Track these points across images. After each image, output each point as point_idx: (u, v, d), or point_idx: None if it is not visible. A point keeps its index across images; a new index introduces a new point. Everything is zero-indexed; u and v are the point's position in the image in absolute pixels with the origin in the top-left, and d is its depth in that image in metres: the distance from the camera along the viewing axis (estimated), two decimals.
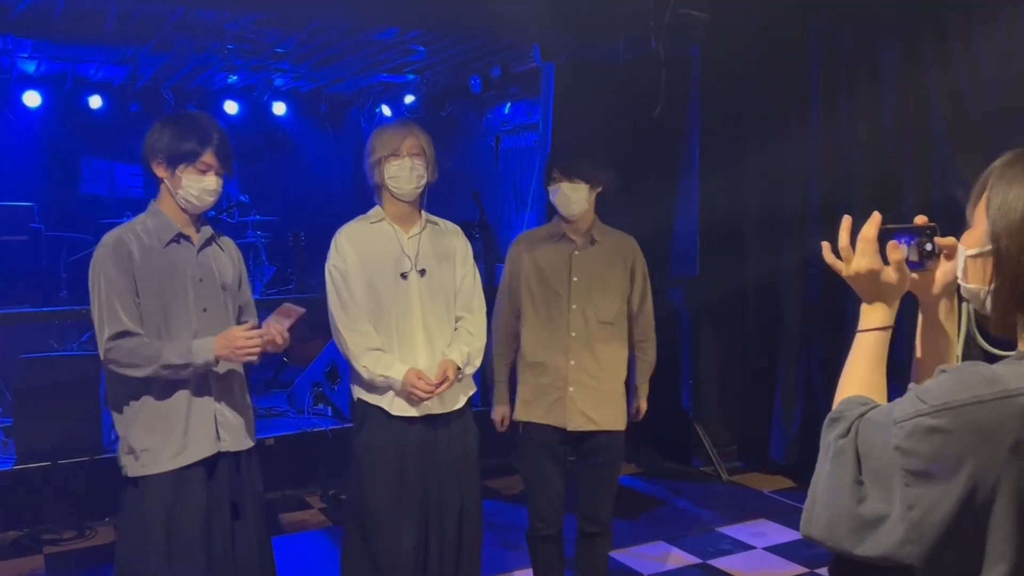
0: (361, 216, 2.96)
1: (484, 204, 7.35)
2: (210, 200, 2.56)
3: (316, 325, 6.11)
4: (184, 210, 2.56)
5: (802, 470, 5.12)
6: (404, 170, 2.82)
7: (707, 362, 5.42)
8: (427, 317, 2.88)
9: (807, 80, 4.97)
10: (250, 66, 7.39)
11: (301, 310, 2.59)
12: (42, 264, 7.01)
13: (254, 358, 2.50)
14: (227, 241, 2.74)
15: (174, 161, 2.50)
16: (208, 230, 2.65)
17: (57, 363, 4.82)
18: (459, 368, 2.86)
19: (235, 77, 7.98)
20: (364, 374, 2.80)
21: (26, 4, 5.27)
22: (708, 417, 5.44)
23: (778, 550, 4.12)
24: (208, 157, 2.52)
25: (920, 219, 1.38)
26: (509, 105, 7.99)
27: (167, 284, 2.50)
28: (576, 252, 3.12)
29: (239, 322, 2.68)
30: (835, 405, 1.27)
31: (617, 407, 3.12)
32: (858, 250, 1.36)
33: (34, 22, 5.65)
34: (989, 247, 1.16)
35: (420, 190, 2.88)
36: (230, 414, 2.59)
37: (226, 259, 2.68)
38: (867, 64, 4.66)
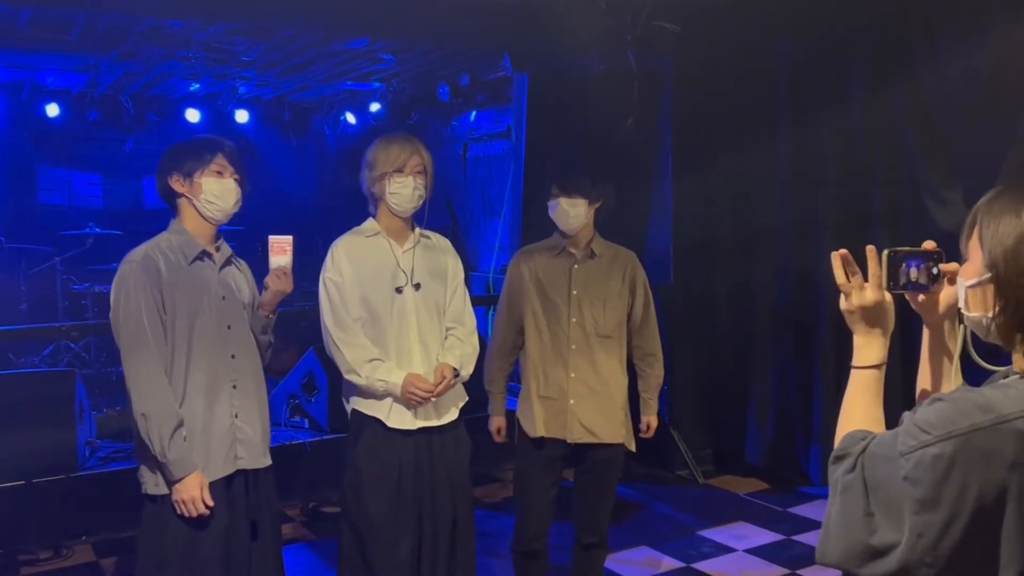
0: (356, 229, 2.97)
1: (454, 211, 7.38)
2: (232, 202, 2.60)
3: (290, 336, 6.11)
4: (207, 219, 2.59)
5: (776, 473, 5.24)
6: (407, 188, 2.84)
7: (682, 368, 5.51)
8: (423, 330, 2.91)
9: (777, 92, 5.09)
10: (214, 74, 7.31)
11: (288, 236, 2.65)
12: (1, 277, 6.85)
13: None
14: (242, 262, 2.77)
15: (190, 170, 2.56)
16: (227, 249, 2.69)
17: (29, 380, 4.72)
18: (455, 370, 2.89)
19: (197, 85, 7.89)
20: (363, 382, 2.81)
21: None
22: (684, 422, 5.53)
23: (759, 552, 4.21)
24: (221, 159, 2.59)
25: (928, 244, 1.45)
26: (475, 113, 8.03)
27: (193, 301, 2.52)
28: (576, 266, 3.17)
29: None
30: (837, 441, 1.34)
31: (617, 419, 3.16)
32: (864, 284, 1.42)
33: None
34: (987, 275, 1.24)
35: (419, 208, 2.90)
36: (249, 431, 2.61)
37: (242, 279, 2.71)
38: (835, 78, 4.80)
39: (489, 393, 3.32)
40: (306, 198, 9.52)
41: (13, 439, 4.30)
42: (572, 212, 3.10)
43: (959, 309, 1.33)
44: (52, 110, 8.00)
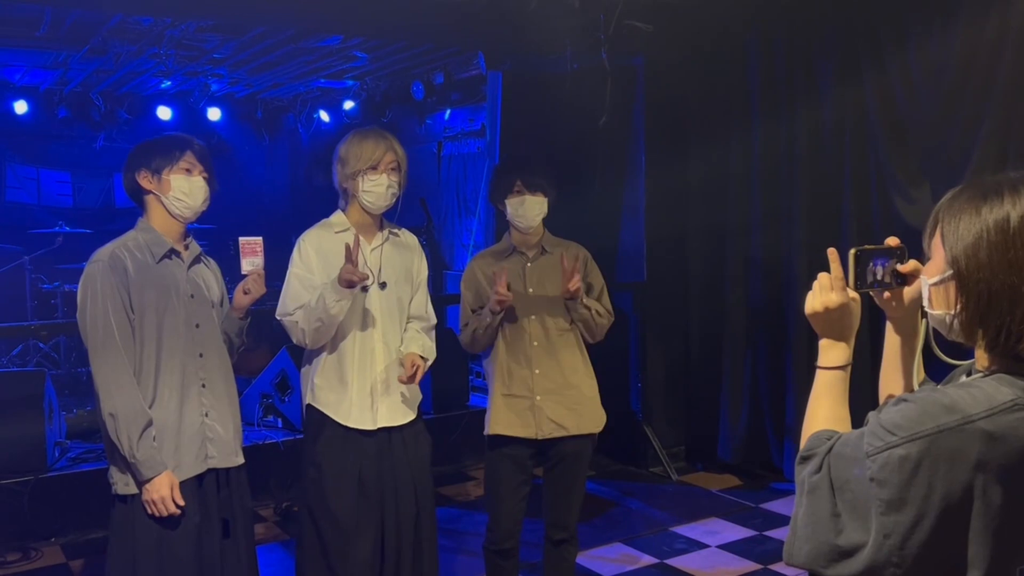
0: (323, 222, 2.95)
1: (428, 210, 7.37)
2: (200, 200, 2.58)
3: (262, 336, 6.07)
4: (175, 217, 2.57)
5: (749, 469, 5.29)
6: (380, 186, 2.83)
7: (655, 365, 5.54)
8: (385, 329, 2.91)
9: (748, 90, 5.14)
10: (185, 71, 7.24)
11: (258, 237, 2.64)
12: None
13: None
14: (211, 260, 2.74)
15: (159, 167, 2.54)
16: (196, 247, 2.66)
17: None
18: (423, 358, 2.90)
19: (169, 82, 7.82)
20: (304, 316, 2.75)
21: None
22: (657, 419, 5.56)
23: (731, 547, 4.25)
24: (189, 157, 2.57)
25: (891, 240, 1.47)
26: (449, 111, 8.02)
27: (161, 299, 2.50)
28: (529, 264, 3.19)
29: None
30: (803, 442, 1.35)
31: (586, 411, 3.18)
32: (827, 286, 1.44)
33: None
34: (949, 272, 1.25)
35: (392, 205, 2.90)
36: (220, 430, 2.60)
37: (211, 277, 2.69)
38: (804, 74, 4.84)
39: (480, 319, 3.11)
40: (279, 197, 9.47)
41: None
42: (537, 208, 3.12)
43: (922, 306, 1.35)
44: (20, 107, 7.89)
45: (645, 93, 5.46)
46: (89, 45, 6.07)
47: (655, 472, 5.46)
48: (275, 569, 4.09)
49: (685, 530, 4.50)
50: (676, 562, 4.11)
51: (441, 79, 7.17)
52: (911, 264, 1.45)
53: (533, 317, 3.14)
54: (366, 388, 2.86)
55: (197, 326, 2.57)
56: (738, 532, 4.44)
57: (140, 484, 2.41)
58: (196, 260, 2.65)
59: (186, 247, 2.63)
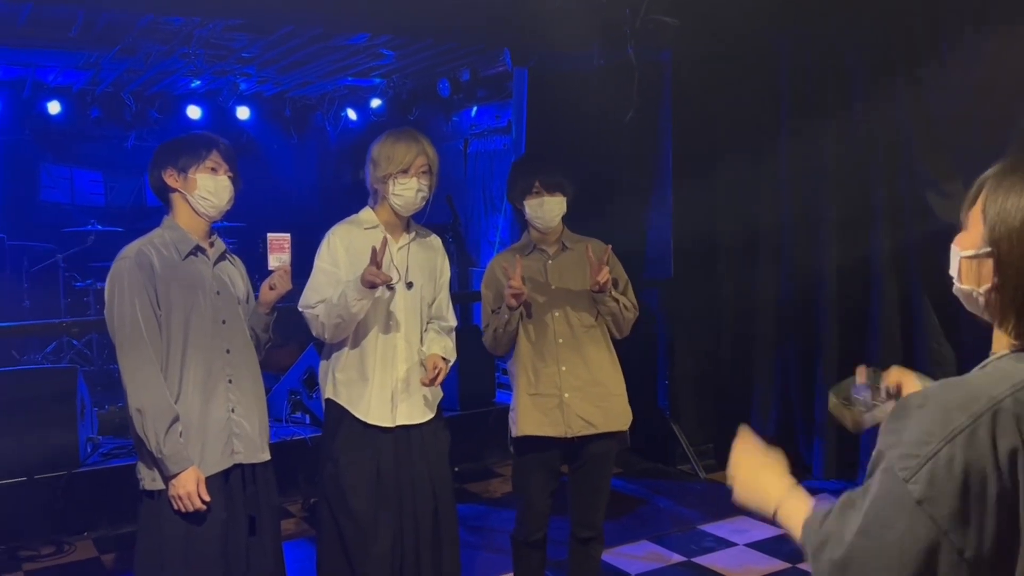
0: (353, 218, 2.96)
1: (455, 207, 7.37)
2: (225, 199, 2.59)
3: (290, 332, 6.11)
4: (200, 215, 2.58)
5: None
6: (411, 190, 2.83)
7: (683, 363, 5.50)
8: (408, 329, 2.91)
9: (778, 85, 5.08)
10: (215, 71, 7.31)
11: (286, 234, 2.66)
12: (4, 274, 6.87)
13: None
14: (236, 258, 2.76)
15: (185, 165, 2.55)
16: (221, 244, 2.68)
17: (32, 376, 4.73)
18: (444, 359, 2.91)
19: (198, 82, 7.90)
20: (325, 310, 2.78)
21: None
22: (684, 416, 5.52)
23: (760, 546, 4.21)
24: (215, 156, 2.58)
25: (859, 371, 1.55)
26: (476, 108, 8.03)
27: (187, 296, 2.52)
28: (550, 261, 3.16)
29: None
30: (799, 538, 1.28)
31: (614, 408, 3.15)
32: (739, 463, 1.45)
33: None
34: (986, 250, 1.19)
35: (421, 208, 2.90)
36: (247, 425, 2.61)
37: (236, 274, 2.71)
38: (836, 70, 4.78)
39: (499, 319, 3.08)
40: (307, 194, 9.52)
41: (16, 435, 4.31)
42: (557, 209, 3.10)
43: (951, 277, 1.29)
44: (54, 107, 8.00)
45: (672, 88, 5.42)
46: (120, 45, 6.14)
47: (683, 470, 5.43)
48: (303, 564, 4.11)
49: (713, 528, 4.47)
50: (704, 560, 4.08)
51: (467, 76, 7.17)
52: (894, 375, 1.49)
53: (557, 314, 3.12)
54: (387, 386, 2.87)
55: (223, 322, 2.58)
56: (767, 531, 4.40)
57: (167, 480, 2.43)
58: (221, 257, 2.67)
59: (211, 244, 2.64)
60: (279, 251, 2.64)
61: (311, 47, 6.53)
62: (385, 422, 2.86)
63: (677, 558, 4.12)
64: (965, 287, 1.24)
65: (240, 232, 7.83)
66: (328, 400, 2.93)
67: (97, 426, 5.03)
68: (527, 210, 3.13)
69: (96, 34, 5.84)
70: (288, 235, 2.66)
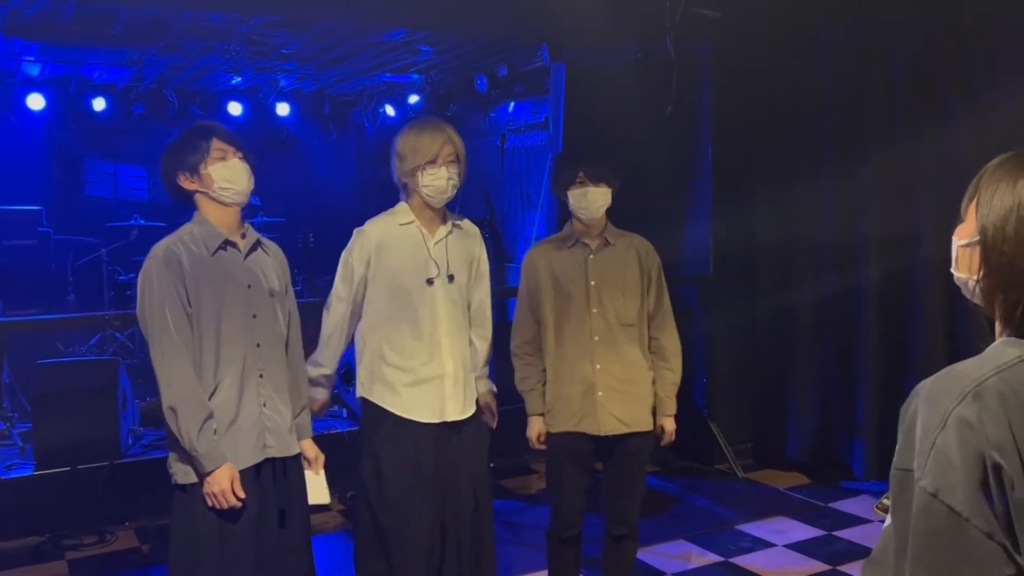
0: (388, 213, 2.94)
1: (491, 203, 7.36)
2: (245, 181, 2.56)
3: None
4: (227, 205, 2.56)
5: (818, 467, 5.15)
6: (440, 180, 2.81)
7: (721, 360, 5.44)
8: (452, 322, 2.91)
9: (821, 79, 4.99)
10: (255, 67, 7.38)
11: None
12: (50, 268, 7.00)
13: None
14: (271, 245, 2.73)
15: (193, 165, 2.52)
16: (253, 234, 2.65)
17: (74, 368, 4.82)
18: (494, 392, 3.06)
19: (239, 78, 7.98)
20: (326, 317, 2.96)
21: (36, 8, 5.25)
22: (722, 414, 5.46)
23: (799, 547, 4.14)
24: (217, 144, 2.54)
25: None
26: (513, 104, 8.00)
27: (218, 292, 2.50)
28: (591, 256, 3.12)
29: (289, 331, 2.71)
30: None
31: (647, 407, 3.12)
32: None
33: (43, 26, 5.63)
34: (977, 238, 1.24)
35: (453, 197, 2.88)
36: (278, 419, 2.60)
37: (271, 264, 2.67)
38: (881, 65, 4.69)
39: (523, 393, 3.19)
40: (345, 190, 9.58)
41: (59, 426, 4.39)
42: (601, 200, 3.05)
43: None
44: (99, 104, 8.12)
45: (712, 83, 5.35)
46: (162, 42, 6.22)
47: (721, 469, 5.37)
48: (339, 557, 4.13)
49: (751, 528, 4.41)
50: (741, 561, 4.02)
51: (505, 72, 7.15)
52: None
53: (595, 311, 3.08)
54: (434, 382, 2.86)
55: (254, 316, 2.56)
56: (806, 531, 4.33)
57: (201, 477, 2.44)
58: (254, 248, 2.63)
59: (243, 235, 2.62)
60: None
61: (350, 43, 6.56)
62: (432, 418, 2.85)
63: (714, 558, 4.07)
64: (961, 275, 1.29)
65: (280, 227, 7.90)
66: (364, 399, 2.92)
67: (138, 417, 5.11)
68: (570, 201, 3.08)
69: (139, 31, 5.92)
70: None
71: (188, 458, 2.45)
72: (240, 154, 2.57)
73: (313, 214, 8.61)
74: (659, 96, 5.19)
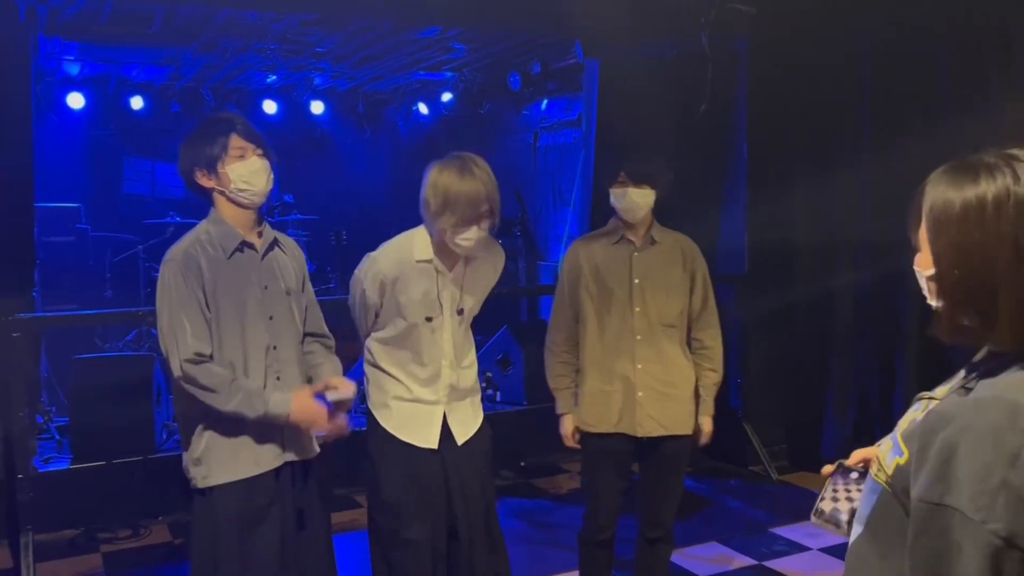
0: (405, 242, 2.72)
1: (523, 201, 7.34)
2: (263, 181, 2.47)
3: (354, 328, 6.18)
4: (244, 206, 2.49)
5: None
6: (472, 239, 2.62)
7: (756, 360, 5.37)
8: (454, 355, 2.78)
9: (860, 75, 4.90)
10: (290, 65, 7.43)
11: (350, 393, 2.53)
12: (88, 264, 7.10)
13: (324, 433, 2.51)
14: (289, 241, 2.68)
15: (211, 162, 2.45)
16: (270, 233, 2.58)
17: (111, 363, 4.88)
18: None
19: (274, 77, 8.03)
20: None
21: (75, 8, 5.32)
22: (757, 416, 5.39)
23: (835, 551, 4.06)
24: (236, 140, 2.45)
25: (825, 470, 1.54)
26: (546, 102, 7.97)
27: (236, 296, 2.45)
28: (636, 253, 3.06)
29: (304, 327, 2.66)
30: None
31: (686, 410, 3.06)
32: None
33: (82, 26, 5.70)
34: (928, 238, 1.21)
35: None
36: None
37: (288, 261, 2.62)
38: (922, 61, 4.58)
39: (555, 391, 3.13)
40: (379, 188, 9.62)
41: (95, 420, 4.44)
42: (641, 202, 2.97)
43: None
44: (136, 103, 8.23)
45: (748, 79, 5.28)
46: (198, 41, 6.28)
47: (755, 471, 5.29)
48: (366, 556, 4.13)
49: (785, 531, 4.34)
50: (775, 564, 3.96)
51: (538, 69, 7.11)
52: (857, 456, 1.50)
53: (638, 310, 3.02)
54: (425, 408, 2.74)
55: (271, 318, 2.51)
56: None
57: (286, 417, 2.44)
58: (271, 247, 2.57)
59: (260, 234, 2.55)
60: (340, 408, 2.53)
61: (383, 41, 6.57)
62: (424, 443, 2.73)
63: (747, 561, 4.01)
64: (936, 305, 1.24)
65: (314, 225, 7.95)
66: (369, 411, 2.82)
67: (172, 413, 5.15)
68: (611, 198, 3.03)
69: (175, 30, 5.98)
70: (351, 393, 2.54)
71: (201, 460, 2.45)
72: (260, 151, 2.49)
73: (346, 212, 8.65)
74: (693, 92, 5.12)
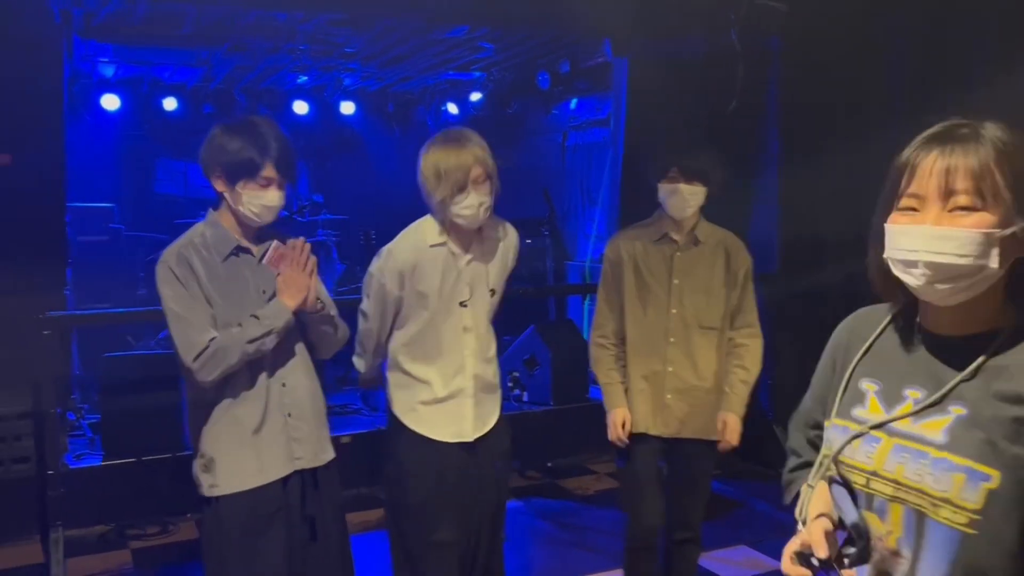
0: (414, 231, 2.72)
1: (551, 201, 7.30)
2: (273, 212, 2.42)
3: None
4: (245, 225, 2.45)
5: None
6: (471, 208, 2.59)
7: (787, 361, 5.28)
8: (478, 343, 2.76)
9: (893, 72, 4.80)
10: (320, 66, 7.47)
11: (291, 246, 2.45)
12: (122, 263, 7.19)
13: (314, 298, 2.44)
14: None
15: (233, 177, 2.36)
16: (272, 240, 2.50)
17: (141, 361, 4.92)
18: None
19: (305, 77, 8.08)
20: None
21: (108, 10, 5.38)
22: (787, 417, 5.28)
23: None
24: (269, 171, 2.36)
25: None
26: (575, 101, 7.93)
27: (234, 301, 2.39)
28: (678, 253, 3.00)
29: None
30: None
31: (715, 416, 3.02)
32: None
33: (115, 27, 5.77)
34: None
35: (488, 215, 2.67)
36: (305, 428, 2.51)
37: None
38: (956, 57, 4.48)
39: (605, 386, 3.06)
40: (408, 188, 9.62)
41: (126, 417, 4.49)
42: (692, 200, 2.91)
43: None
44: (169, 104, 8.31)
45: (779, 77, 5.21)
46: (228, 42, 6.33)
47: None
48: (386, 557, 4.13)
49: None
50: None
51: (567, 68, 7.07)
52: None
53: (675, 311, 2.97)
54: (450, 402, 2.73)
55: None
56: None
57: (283, 321, 2.39)
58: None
59: (258, 241, 2.49)
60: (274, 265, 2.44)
61: (412, 41, 6.57)
62: (450, 438, 2.72)
63: (775, 564, 3.92)
64: (982, 231, 1.25)
65: (343, 224, 7.98)
66: (391, 411, 2.81)
67: None
68: (660, 193, 2.95)
69: (205, 31, 6.03)
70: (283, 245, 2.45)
71: (209, 468, 2.43)
72: (285, 181, 2.41)
73: (376, 211, 8.67)
74: (724, 90, 5.06)
